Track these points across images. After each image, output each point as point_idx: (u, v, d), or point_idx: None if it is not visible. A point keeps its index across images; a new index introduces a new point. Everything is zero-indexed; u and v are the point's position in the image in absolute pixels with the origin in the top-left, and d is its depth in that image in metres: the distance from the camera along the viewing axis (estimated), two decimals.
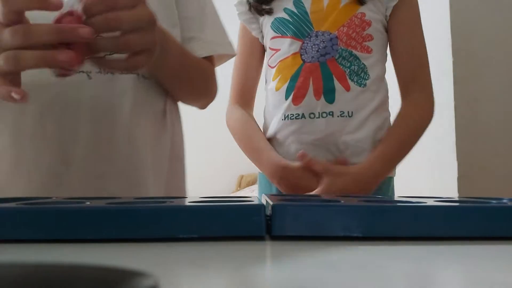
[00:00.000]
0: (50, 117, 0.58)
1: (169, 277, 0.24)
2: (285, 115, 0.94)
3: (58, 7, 0.44)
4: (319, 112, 0.91)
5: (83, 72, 0.58)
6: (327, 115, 0.91)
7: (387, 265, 0.28)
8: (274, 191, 0.96)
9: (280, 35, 0.95)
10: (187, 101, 0.76)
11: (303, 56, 0.93)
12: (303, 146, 0.92)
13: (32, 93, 0.57)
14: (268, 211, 0.36)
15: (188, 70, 0.67)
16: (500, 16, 1.60)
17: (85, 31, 0.43)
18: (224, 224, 0.34)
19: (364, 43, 0.92)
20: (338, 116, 0.91)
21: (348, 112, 0.91)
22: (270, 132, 0.97)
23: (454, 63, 1.59)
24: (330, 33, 0.92)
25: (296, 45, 0.93)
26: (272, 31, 0.96)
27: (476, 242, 0.34)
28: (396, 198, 0.47)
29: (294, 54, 0.93)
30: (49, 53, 0.43)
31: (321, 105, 0.91)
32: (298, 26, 0.94)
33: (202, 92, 0.75)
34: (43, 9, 0.44)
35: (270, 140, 0.98)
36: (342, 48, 0.91)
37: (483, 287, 0.23)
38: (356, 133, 0.91)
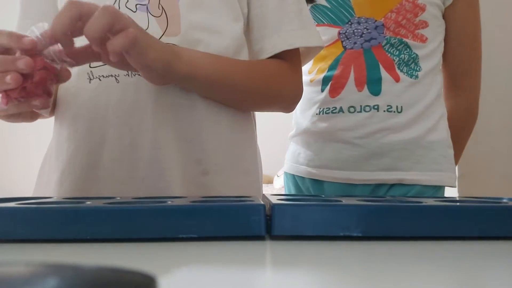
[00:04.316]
0: (81, 120, 0.60)
1: (169, 277, 0.24)
2: (320, 109, 0.81)
3: (32, 45, 0.46)
4: (361, 106, 0.77)
5: (111, 76, 0.58)
6: (370, 109, 0.77)
7: (386, 264, 0.28)
8: (299, 190, 0.88)
9: (316, 23, 0.83)
10: (251, 109, 0.68)
11: (344, 43, 0.80)
12: (341, 145, 0.79)
13: (70, 97, 0.61)
14: (268, 211, 0.36)
15: (234, 80, 0.60)
16: (500, 16, 1.60)
17: (22, 62, 0.45)
18: (224, 224, 0.34)
19: (417, 31, 0.79)
20: (384, 111, 0.77)
21: (396, 107, 0.77)
22: (301, 128, 0.86)
23: None
24: (375, 20, 0.78)
25: (335, 33, 0.81)
26: None
27: (476, 242, 0.34)
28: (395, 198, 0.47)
29: (334, 42, 0.81)
30: None
31: (363, 97, 0.77)
32: (337, 12, 0.81)
33: (268, 98, 0.66)
34: (19, 48, 0.47)
35: (301, 137, 0.87)
36: (391, 36, 0.78)
37: (483, 286, 0.23)
38: (404, 132, 0.78)
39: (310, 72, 0.86)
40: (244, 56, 0.64)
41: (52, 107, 0.63)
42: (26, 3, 0.67)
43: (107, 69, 0.58)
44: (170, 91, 0.59)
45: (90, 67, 0.59)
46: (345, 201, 0.39)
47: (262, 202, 0.36)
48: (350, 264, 0.28)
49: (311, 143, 0.84)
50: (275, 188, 1.76)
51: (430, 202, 0.39)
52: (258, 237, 0.35)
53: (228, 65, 0.60)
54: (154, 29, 0.58)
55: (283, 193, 0.93)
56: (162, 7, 0.59)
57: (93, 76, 0.59)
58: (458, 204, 0.39)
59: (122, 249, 0.32)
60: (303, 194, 0.88)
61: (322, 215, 0.34)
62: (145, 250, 0.31)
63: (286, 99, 0.68)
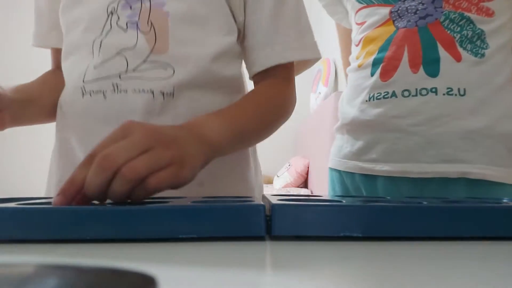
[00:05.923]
0: (73, 131, 0.62)
1: (169, 277, 0.24)
2: (370, 95, 0.74)
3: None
4: (416, 89, 0.69)
5: (100, 92, 0.59)
6: (427, 92, 0.68)
7: (386, 265, 0.28)
8: (339, 190, 0.82)
9: (366, 4, 0.77)
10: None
11: (396, 22, 0.74)
12: (394, 135, 0.71)
13: (67, 108, 0.63)
14: (268, 211, 0.36)
15: (248, 133, 0.59)
16: None
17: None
18: (224, 224, 0.34)
19: (481, 3, 0.69)
20: (444, 94, 0.68)
21: (458, 89, 0.68)
22: (347, 118, 0.79)
23: None
24: None
25: (386, 12, 0.74)
26: (357, 3, 0.79)
27: (476, 242, 0.34)
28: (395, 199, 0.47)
29: (385, 22, 0.75)
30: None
31: (419, 79, 0.69)
32: None
33: (272, 128, 0.64)
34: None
35: (347, 128, 0.80)
36: (450, 10, 0.70)
37: (483, 287, 0.23)
38: (470, 119, 0.68)
39: (358, 57, 0.80)
40: (236, 67, 0.63)
41: (53, 115, 0.66)
42: (38, 14, 0.70)
43: (97, 85, 0.59)
44: (160, 108, 0.58)
45: (83, 82, 0.60)
46: (345, 201, 0.39)
47: (262, 203, 0.36)
48: (350, 264, 0.28)
49: (359, 134, 0.77)
50: (275, 188, 1.76)
51: (430, 202, 0.39)
52: (258, 238, 0.35)
53: (243, 131, 0.58)
54: (143, 46, 0.58)
55: (283, 193, 0.93)
56: (151, 23, 0.59)
57: (85, 91, 0.60)
58: (458, 204, 0.39)
59: (122, 249, 0.32)
60: (307, 195, 0.86)
61: (322, 216, 0.34)
62: (145, 250, 0.31)
63: (284, 119, 0.66)
